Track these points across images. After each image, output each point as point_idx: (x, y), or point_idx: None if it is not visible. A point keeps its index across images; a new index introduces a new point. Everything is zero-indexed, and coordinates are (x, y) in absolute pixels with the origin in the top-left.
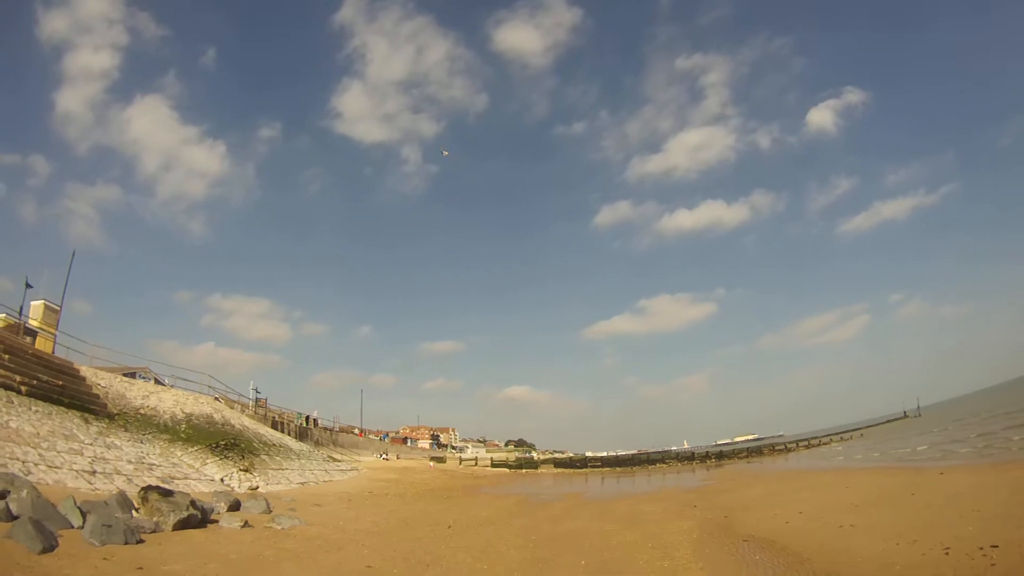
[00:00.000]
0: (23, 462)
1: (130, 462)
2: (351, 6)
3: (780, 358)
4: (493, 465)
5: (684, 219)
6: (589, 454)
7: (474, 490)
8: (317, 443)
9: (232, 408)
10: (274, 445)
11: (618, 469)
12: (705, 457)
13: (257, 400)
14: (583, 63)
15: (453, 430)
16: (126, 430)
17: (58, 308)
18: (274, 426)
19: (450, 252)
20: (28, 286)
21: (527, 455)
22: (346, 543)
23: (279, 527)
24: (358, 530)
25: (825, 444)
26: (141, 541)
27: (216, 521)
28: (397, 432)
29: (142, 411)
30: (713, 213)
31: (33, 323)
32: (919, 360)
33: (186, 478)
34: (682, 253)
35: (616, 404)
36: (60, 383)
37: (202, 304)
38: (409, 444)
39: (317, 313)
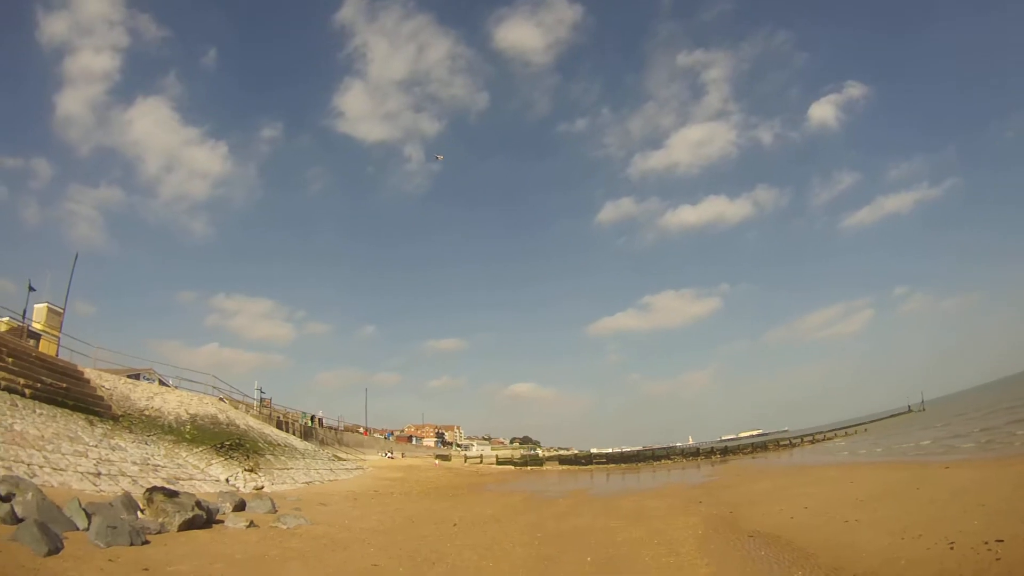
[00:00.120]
0: (28, 465)
1: (135, 463)
2: (351, 5)
3: (784, 353)
4: (498, 463)
5: (687, 215)
6: (594, 451)
7: (479, 488)
8: (322, 442)
9: (237, 408)
10: (279, 445)
11: (623, 466)
12: (710, 453)
13: (261, 400)
14: (584, 60)
15: (458, 428)
16: (131, 431)
17: (61, 310)
18: (279, 426)
19: (453, 250)
20: (31, 289)
21: (532, 452)
22: (352, 542)
23: (284, 527)
24: (363, 529)
25: (830, 439)
26: (147, 542)
27: (221, 521)
28: (402, 431)
29: (146, 412)
30: (716, 209)
31: (36, 326)
32: (923, 354)
33: (191, 479)
34: (685, 249)
35: (621, 400)
36: (64, 385)
37: (205, 304)
38: (414, 442)
39: (320, 312)
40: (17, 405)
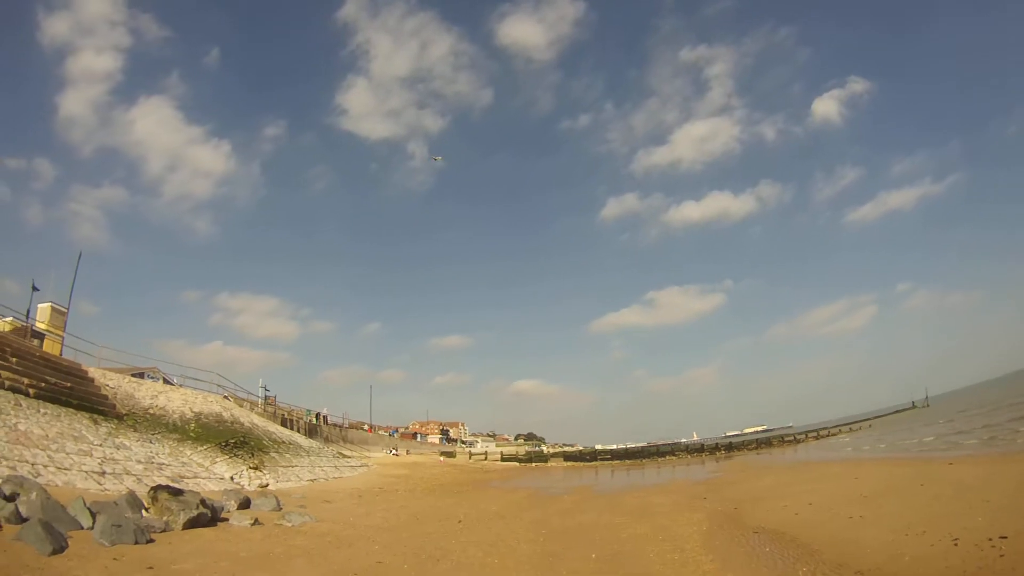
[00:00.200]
0: (32, 464)
1: (139, 462)
2: (354, 3)
3: (789, 349)
4: (503, 459)
5: (691, 211)
6: (599, 447)
7: (484, 484)
8: (327, 440)
9: (241, 406)
10: (284, 442)
11: (628, 462)
12: (714, 449)
13: (266, 398)
14: (587, 56)
15: (463, 425)
16: (135, 430)
17: (65, 310)
18: (283, 423)
19: (457, 247)
20: (35, 289)
21: (537, 449)
22: (356, 539)
23: (289, 524)
24: (368, 526)
25: (834, 435)
26: (151, 541)
27: (226, 519)
28: (407, 428)
29: (151, 411)
30: (720, 204)
31: (40, 326)
32: (927, 350)
33: (196, 477)
34: (690, 245)
35: (625, 397)
36: (68, 385)
37: (210, 303)
38: (419, 439)
39: (325, 310)
40: (21, 405)
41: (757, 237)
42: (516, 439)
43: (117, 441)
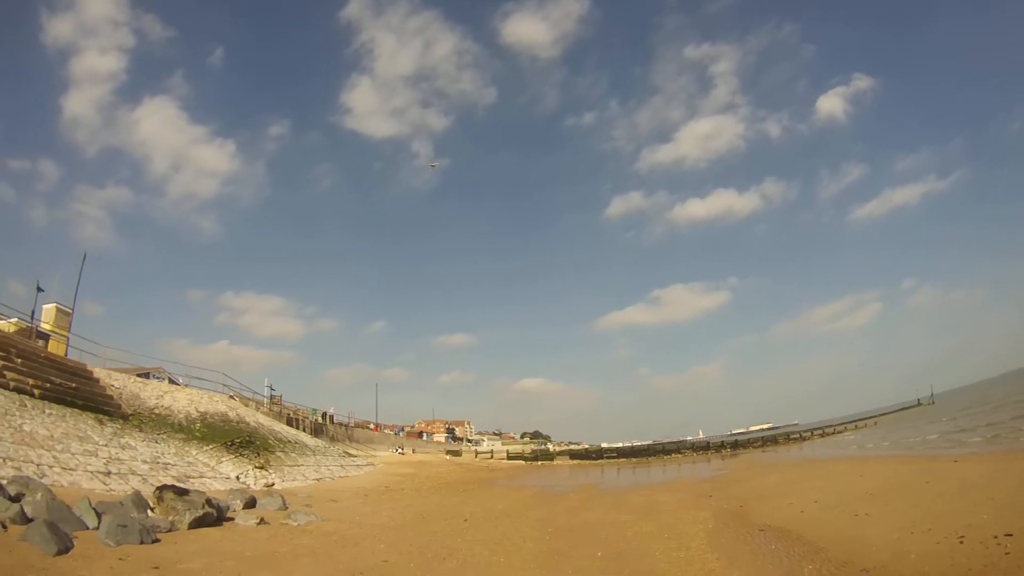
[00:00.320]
0: (37, 465)
1: (145, 462)
2: (357, 2)
3: (793, 346)
4: (509, 457)
5: (696, 208)
6: (604, 445)
7: (490, 483)
8: (332, 439)
9: (247, 406)
10: (289, 442)
11: (633, 460)
12: (720, 447)
13: (271, 397)
14: (591, 54)
15: (468, 423)
16: (140, 430)
17: (70, 311)
18: (289, 423)
19: (462, 245)
20: (39, 290)
21: (542, 447)
22: (362, 538)
23: (295, 523)
24: (374, 525)
25: (839, 433)
26: (157, 540)
27: (232, 519)
28: (412, 426)
29: (156, 411)
30: (725, 202)
31: (45, 326)
32: (932, 347)
33: (201, 476)
34: (694, 242)
35: (630, 395)
36: (73, 385)
37: (215, 303)
38: (424, 438)
39: (330, 309)
40: (26, 405)
41: (762, 234)
42: (522, 437)
43: (122, 441)
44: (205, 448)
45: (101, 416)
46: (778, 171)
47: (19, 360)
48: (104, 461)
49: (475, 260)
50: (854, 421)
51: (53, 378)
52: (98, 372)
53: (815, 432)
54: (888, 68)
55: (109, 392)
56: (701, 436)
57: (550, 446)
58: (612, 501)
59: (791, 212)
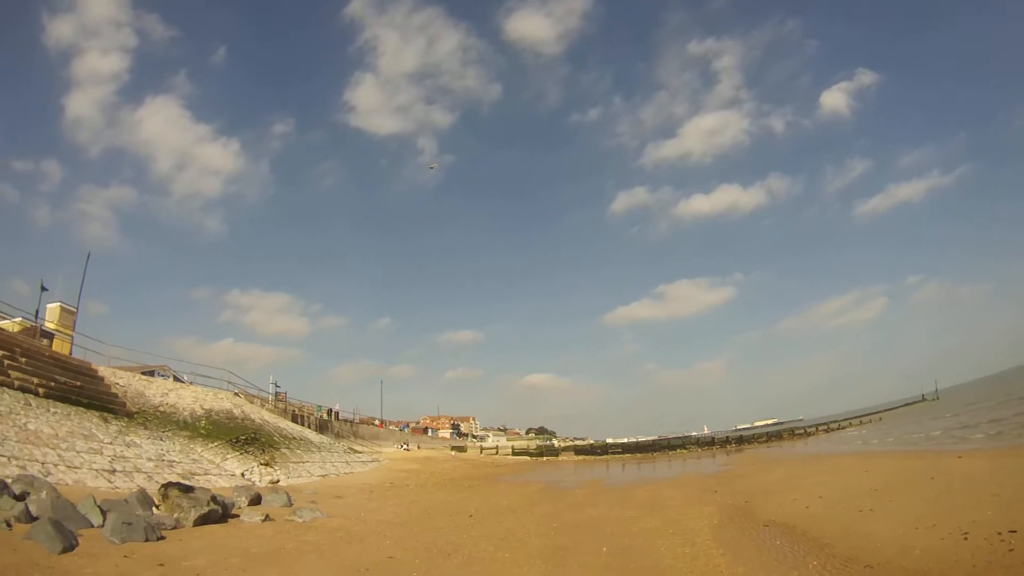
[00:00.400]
0: (42, 463)
1: (150, 460)
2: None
3: (799, 341)
4: (514, 453)
5: (701, 204)
6: (610, 440)
7: (495, 479)
8: (338, 435)
9: (252, 403)
10: (294, 438)
11: (638, 455)
12: (725, 442)
13: (277, 394)
14: (595, 50)
15: (474, 419)
16: (146, 428)
17: (74, 310)
18: (294, 419)
19: (467, 242)
20: (43, 289)
21: (548, 443)
22: (367, 534)
23: (300, 520)
24: (379, 521)
25: (844, 428)
26: (162, 538)
27: (237, 516)
28: (417, 422)
29: (161, 409)
30: (729, 197)
31: (50, 325)
32: (937, 343)
33: (207, 474)
34: (699, 238)
35: (636, 390)
36: (78, 384)
37: (220, 300)
38: (430, 434)
39: (336, 306)
40: (31, 404)
41: (767, 230)
42: (527, 433)
43: (127, 439)
44: (210, 445)
45: (106, 414)
46: (783, 166)
47: (24, 359)
48: (109, 459)
49: (480, 256)
50: (859, 417)
51: (58, 377)
52: (103, 370)
53: (819, 428)
54: (891, 63)
55: (114, 390)
56: (706, 432)
57: (555, 442)
58: (617, 497)
59: (796, 207)
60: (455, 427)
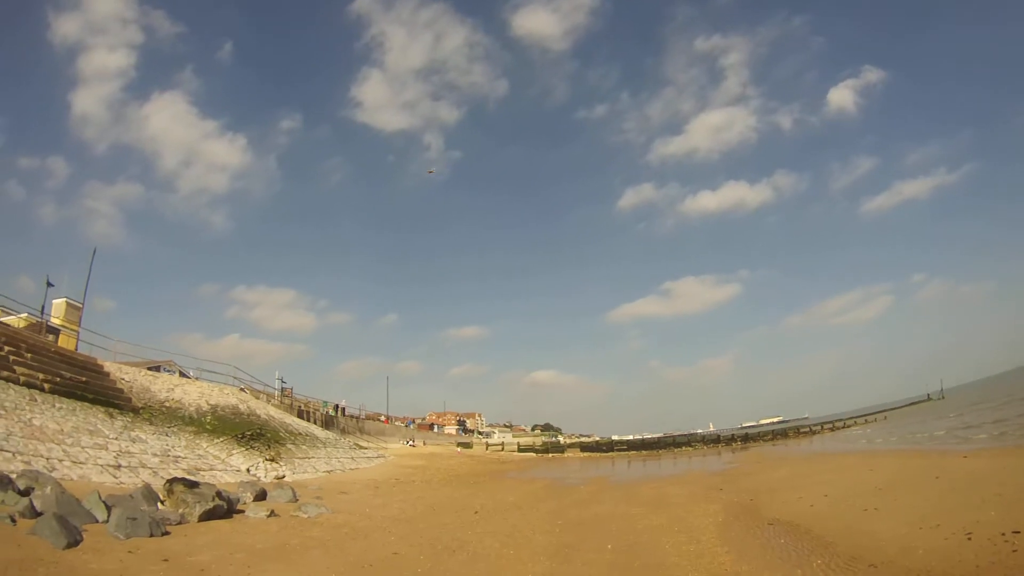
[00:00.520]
0: (47, 459)
1: (155, 455)
2: None
3: (804, 339)
4: (520, 450)
5: (707, 200)
6: (615, 438)
7: (501, 475)
8: (343, 431)
9: (258, 398)
10: (300, 434)
11: (644, 452)
12: (730, 440)
13: (283, 390)
14: (602, 46)
15: (479, 415)
16: (151, 423)
17: (80, 305)
18: (300, 415)
19: (474, 238)
20: (49, 284)
21: (553, 439)
22: (372, 530)
23: (305, 515)
24: (385, 517)
25: (849, 427)
26: (167, 533)
27: (242, 511)
28: (423, 418)
29: (167, 404)
30: (736, 194)
31: (55, 321)
32: (942, 341)
33: (212, 469)
34: (706, 234)
35: (642, 387)
36: (84, 379)
37: (226, 296)
38: (435, 430)
39: (342, 302)
40: (36, 400)
41: (773, 227)
42: (533, 430)
43: (133, 434)
44: (216, 441)
45: (111, 410)
46: (789, 163)
47: (29, 355)
48: (114, 454)
49: (487, 253)
50: (864, 415)
51: (63, 372)
52: (108, 366)
53: (824, 426)
54: (898, 60)
55: (119, 386)
56: (712, 429)
57: (561, 439)
58: (622, 494)
59: (802, 204)
60: (461, 423)
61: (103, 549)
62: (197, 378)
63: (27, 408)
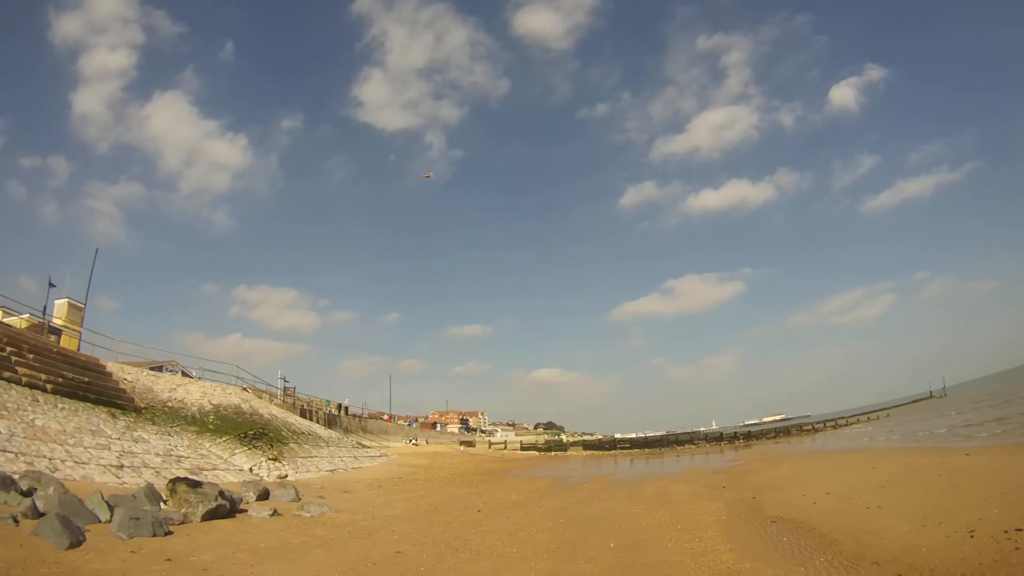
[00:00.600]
0: (50, 459)
1: (158, 455)
2: None
3: (807, 337)
4: (522, 448)
5: (709, 199)
6: (618, 436)
7: (503, 474)
8: (346, 430)
9: (260, 398)
10: (303, 433)
11: (647, 450)
12: (733, 438)
13: (285, 389)
14: (604, 45)
15: (482, 414)
16: (153, 423)
17: (82, 306)
18: (303, 414)
19: (475, 236)
20: (51, 285)
21: (556, 438)
22: (375, 529)
23: (308, 515)
24: (387, 516)
25: (852, 424)
26: (170, 533)
27: (245, 511)
28: (426, 417)
29: (169, 404)
30: (738, 192)
31: (57, 321)
32: (945, 339)
33: (215, 469)
34: (708, 233)
35: (644, 386)
36: (86, 380)
37: (228, 296)
38: (438, 429)
39: (344, 301)
40: (39, 400)
41: (775, 225)
42: (535, 428)
43: (135, 434)
44: (218, 440)
45: (114, 410)
46: (791, 161)
47: (31, 355)
48: (117, 454)
49: (489, 251)
50: (866, 413)
51: (65, 373)
52: (111, 366)
53: (827, 424)
54: (900, 58)
55: (122, 386)
56: (714, 427)
57: (564, 437)
58: (625, 492)
59: (805, 203)
60: (464, 422)
61: (106, 549)
62: (199, 378)
63: (29, 409)
